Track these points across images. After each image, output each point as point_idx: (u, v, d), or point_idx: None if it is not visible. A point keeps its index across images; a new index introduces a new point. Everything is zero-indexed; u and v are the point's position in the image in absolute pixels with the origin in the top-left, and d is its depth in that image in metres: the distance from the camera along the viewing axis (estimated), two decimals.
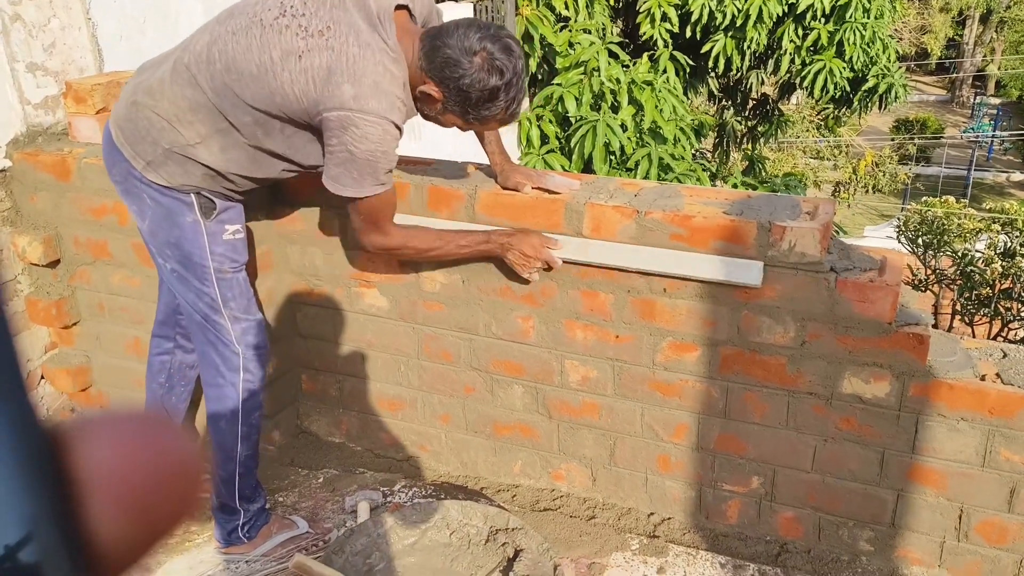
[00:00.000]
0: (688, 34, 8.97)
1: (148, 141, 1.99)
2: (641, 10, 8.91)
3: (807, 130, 24.33)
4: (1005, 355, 2.14)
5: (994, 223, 8.12)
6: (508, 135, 6.56)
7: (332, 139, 1.91)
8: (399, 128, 1.94)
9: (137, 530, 0.32)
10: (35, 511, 0.29)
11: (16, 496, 0.29)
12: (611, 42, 6.92)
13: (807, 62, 9.20)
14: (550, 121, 6.54)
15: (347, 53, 1.86)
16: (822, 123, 22.95)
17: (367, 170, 1.93)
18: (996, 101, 30.66)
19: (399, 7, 1.96)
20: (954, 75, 32.85)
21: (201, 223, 2.07)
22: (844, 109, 10.21)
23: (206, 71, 1.93)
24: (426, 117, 2.10)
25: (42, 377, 2.89)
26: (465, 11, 6.04)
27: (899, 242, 7.98)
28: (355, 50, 1.87)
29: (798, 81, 9.56)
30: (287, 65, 1.88)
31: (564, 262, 2.23)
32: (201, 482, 0.34)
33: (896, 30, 24.10)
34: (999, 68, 30.75)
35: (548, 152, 6.41)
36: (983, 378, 2.05)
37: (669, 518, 2.45)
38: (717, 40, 8.94)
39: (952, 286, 7.21)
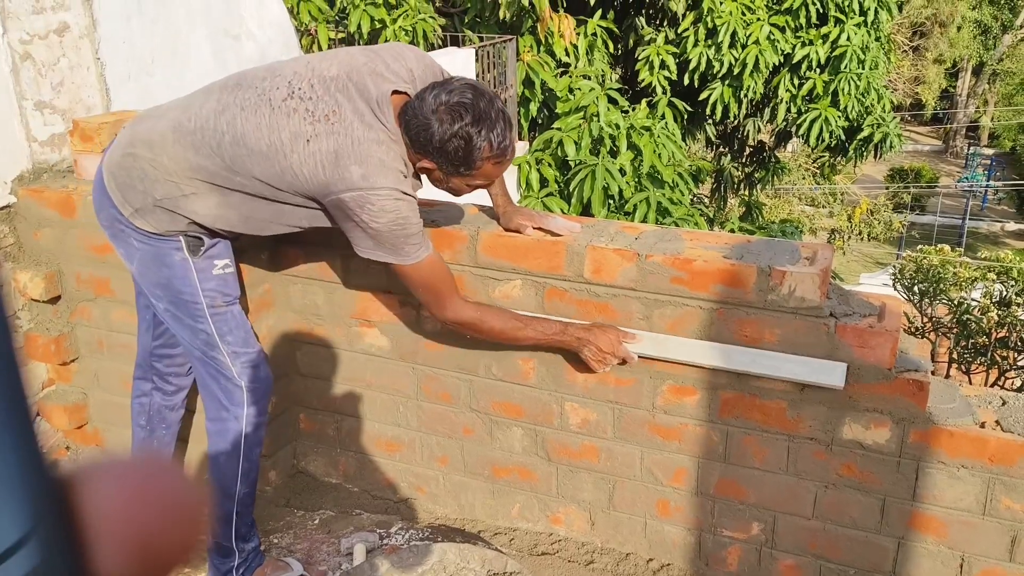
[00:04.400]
0: (686, 81, 9.11)
1: (139, 190, 2.02)
2: (640, 57, 9.06)
3: (803, 177, 24.55)
4: (1004, 403, 2.14)
5: (990, 272, 8.16)
6: (507, 178, 6.62)
7: (353, 218, 1.94)
8: (410, 195, 1.98)
9: (141, 571, 0.33)
10: (43, 550, 0.30)
11: (23, 532, 0.30)
12: (610, 88, 7.01)
13: (803, 110, 9.33)
14: (549, 165, 6.61)
15: (352, 136, 1.92)
16: (818, 171, 23.18)
17: (399, 240, 1.97)
18: (990, 151, 31.01)
19: (396, 92, 2.00)
20: (948, 126, 33.27)
21: (190, 260, 2.09)
22: (839, 157, 10.34)
23: (212, 139, 1.97)
24: (448, 191, 2.12)
25: (38, 414, 2.88)
26: (467, 56, 6.13)
27: (895, 289, 8.01)
28: (359, 133, 1.92)
29: (794, 129, 9.70)
30: (296, 147, 1.92)
31: (640, 358, 2.19)
32: (203, 525, 0.35)
33: (890, 81, 24.46)
34: (992, 119, 31.16)
35: (547, 195, 6.46)
36: (983, 425, 2.05)
37: (668, 564, 2.43)
38: (714, 88, 9.07)
39: (948, 334, 7.22)
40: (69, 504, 0.32)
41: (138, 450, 2.46)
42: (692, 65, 8.91)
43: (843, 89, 9.02)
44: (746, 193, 11.30)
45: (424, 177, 2.09)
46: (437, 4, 8.15)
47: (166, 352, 2.36)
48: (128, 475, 0.34)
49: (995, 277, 7.76)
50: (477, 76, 6.36)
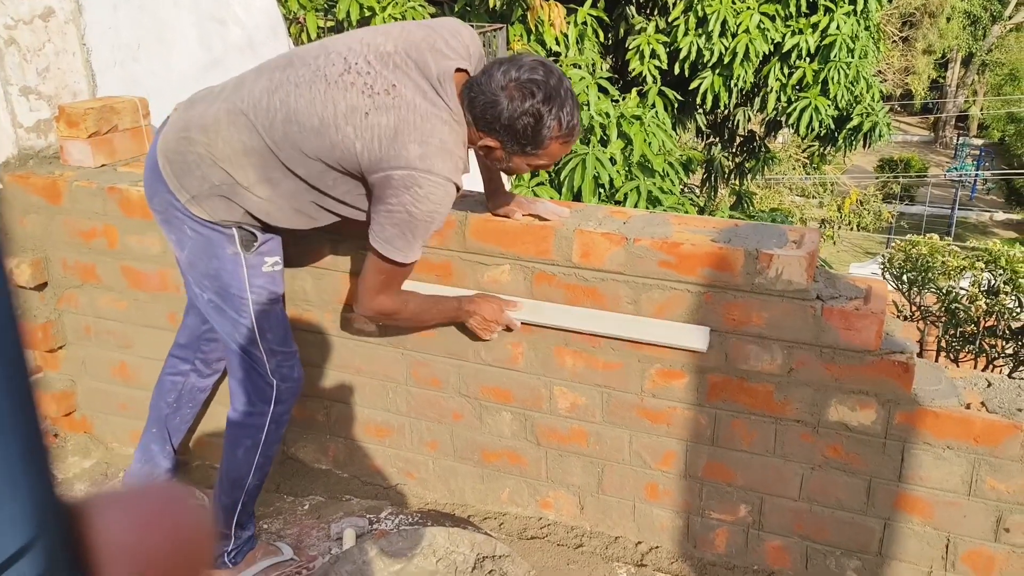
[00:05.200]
0: (676, 71, 9.10)
1: (196, 176, 1.98)
2: (631, 47, 9.05)
3: (793, 168, 24.60)
4: (989, 384, 2.15)
5: (978, 261, 8.20)
6: None
7: (392, 198, 1.88)
8: (458, 188, 1.94)
9: None
10: (46, 560, 0.30)
11: (26, 540, 0.30)
12: (601, 77, 7.00)
13: (792, 100, 9.33)
14: None
15: (416, 112, 1.86)
16: (808, 160, 23.23)
17: (421, 232, 1.92)
18: (978, 142, 31.12)
19: (458, 69, 1.94)
20: (937, 116, 33.37)
21: (241, 255, 2.06)
22: (829, 147, 10.35)
23: (265, 118, 1.92)
24: (505, 172, 2.09)
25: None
26: None
27: (884, 278, 8.04)
28: (424, 109, 1.87)
29: (784, 118, 9.70)
30: (351, 120, 1.86)
31: (522, 324, 2.29)
32: (211, 554, 0.36)
33: (880, 71, 24.51)
34: (981, 110, 31.25)
35: (538, 184, 6.45)
36: (968, 407, 2.07)
37: (657, 547, 2.44)
38: (705, 77, 9.07)
39: (937, 323, 7.26)
40: (74, 520, 0.32)
41: (148, 423, 2.46)
42: (682, 54, 8.89)
43: (833, 78, 9.02)
44: (737, 183, 11.32)
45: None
46: None
47: (214, 336, 2.35)
48: (139, 504, 0.34)
49: (983, 266, 7.80)
50: None
